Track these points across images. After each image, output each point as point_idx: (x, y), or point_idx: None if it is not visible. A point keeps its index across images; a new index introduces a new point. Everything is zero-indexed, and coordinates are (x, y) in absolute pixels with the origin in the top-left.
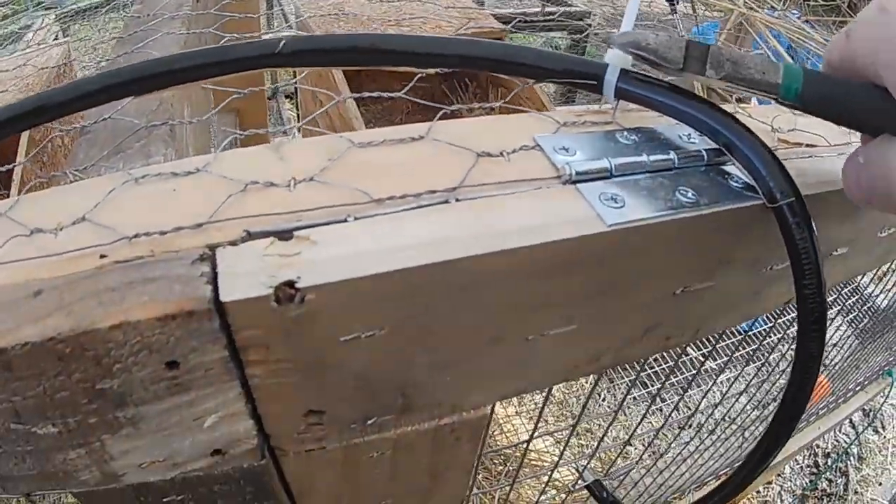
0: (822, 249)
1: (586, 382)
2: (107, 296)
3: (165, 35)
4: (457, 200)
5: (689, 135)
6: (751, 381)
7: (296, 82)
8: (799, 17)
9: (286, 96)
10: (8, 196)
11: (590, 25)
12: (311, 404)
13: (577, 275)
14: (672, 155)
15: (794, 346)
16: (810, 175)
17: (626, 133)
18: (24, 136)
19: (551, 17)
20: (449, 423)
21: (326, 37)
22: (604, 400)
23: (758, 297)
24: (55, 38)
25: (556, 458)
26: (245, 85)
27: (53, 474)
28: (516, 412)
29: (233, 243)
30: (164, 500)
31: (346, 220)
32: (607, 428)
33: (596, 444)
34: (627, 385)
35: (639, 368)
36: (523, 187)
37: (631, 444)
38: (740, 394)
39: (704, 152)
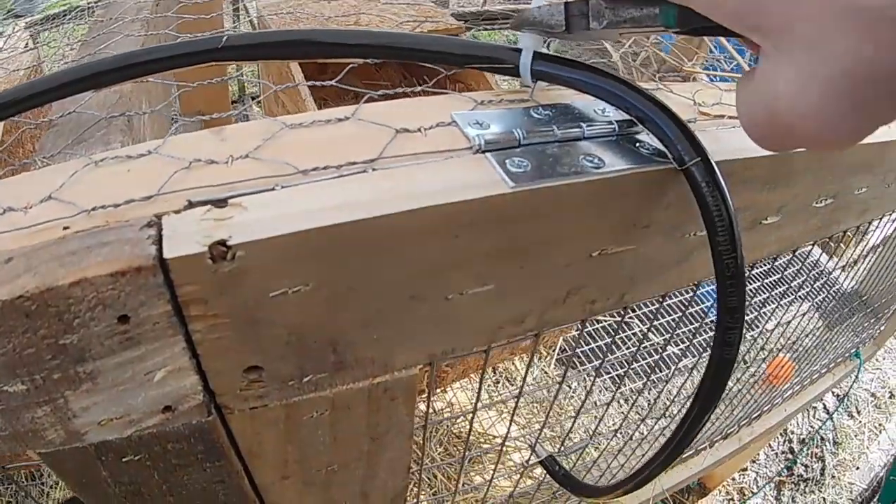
0: (750, 216)
1: (555, 374)
2: (68, 258)
3: (126, 37)
4: (373, 170)
5: (604, 109)
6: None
7: (259, 82)
8: None
9: (252, 98)
10: None
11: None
12: (249, 360)
13: (486, 236)
14: (581, 126)
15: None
16: (731, 142)
17: (540, 108)
18: None
19: (511, 15)
20: (382, 382)
21: (262, 32)
22: (574, 392)
23: (685, 263)
24: (25, 45)
25: (520, 445)
26: (210, 92)
27: (23, 434)
28: (491, 403)
29: (176, 212)
30: (123, 460)
31: (273, 189)
32: (579, 415)
33: (548, 422)
34: (593, 371)
35: (602, 356)
36: (436, 158)
37: (591, 430)
38: (691, 370)
39: (616, 123)
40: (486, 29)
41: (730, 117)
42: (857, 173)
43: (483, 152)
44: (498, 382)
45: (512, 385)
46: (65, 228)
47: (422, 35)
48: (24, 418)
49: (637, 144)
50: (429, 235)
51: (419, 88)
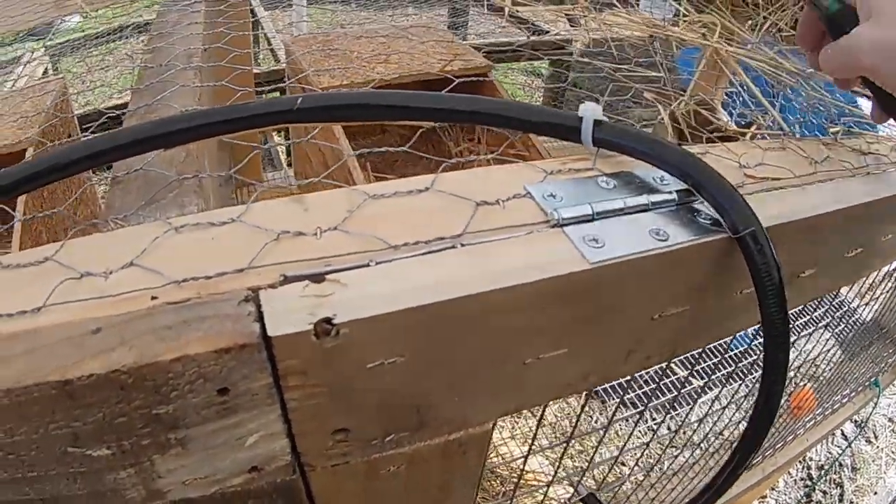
0: (790, 271)
1: (577, 404)
2: (164, 332)
3: (181, 88)
4: (461, 245)
5: (662, 177)
6: (733, 397)
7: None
8: (773, 48)
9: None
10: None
11: (571, 54)
12: (339, 423)
13: (566, 306)
14: (646, 198)
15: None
16: (776, 206)
17: (605, 178)
18: None
19: (535, 47)
20: (457, 438)
21: (337, 94)
22: (596, 421)
23: (730, 318)
24: (45, 71)
25: (550, 477)
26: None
27: (101, 494)
28: (511, 436)
29: (273, 286)
30: None
31: (368, 265)
32: (598, 444)
33: (589, 460)
34: (616, 404)
35: (623, 390)
36: (517, 232)
37: (624, 465)
38: (723, 409)
39: (675, 193)
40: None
41: (773, 179)
42: (884, 223)
43: (560, 226)
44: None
45: (545, 426)
46: (153, 298)
47: (487, 100)
48: (105, 479)
49: (695, 214)
50: (516, 309)
51: (489, 156)
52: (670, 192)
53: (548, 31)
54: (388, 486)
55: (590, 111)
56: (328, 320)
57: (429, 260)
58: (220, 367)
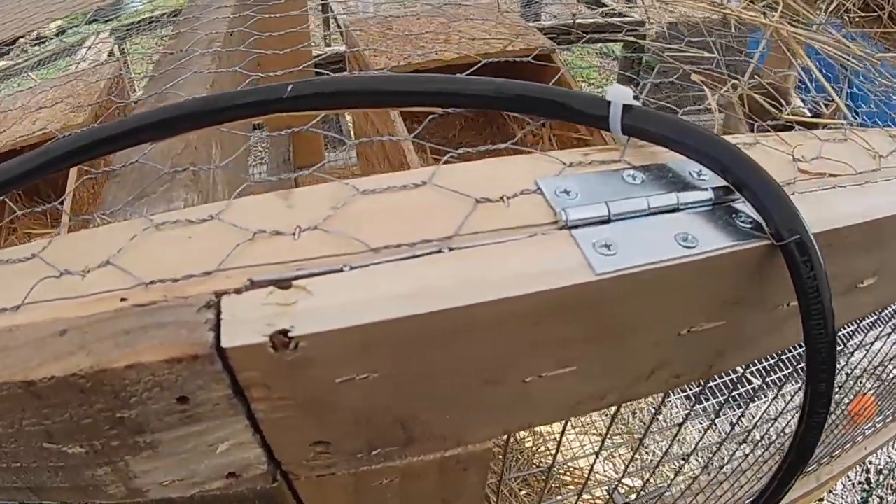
0: (847, 281)
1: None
2: (122, 338)
3: (194, 74)
4: (450, 250)
5: (700, 171)
6: (789, 402)
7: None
8: (840, 30)
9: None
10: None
11: (644, 36)
12: (315, 436)
13: (568, 322)
14: (675, 197)
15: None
16: (832, 207)
17: (633, 172)
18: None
19: (603, 28)
20: (454, 455)
21: (326, 80)
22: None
23: (776, 332)
24: (110, 52)
25: (599, 476)
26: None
27: (84, 488)
28: (571, 426)
29: (237, 291)
30: None
31: (342, 270)
32: (635, 451)
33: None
34: (681, 402)
35: (699, 387)
36: (517, 234)
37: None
38: (774, 419)
39: (712, 191)
40: (576, 45)
41: (831, 175)
42: None
43: (569, 228)
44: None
45: (605, 415)
46: (122, 300)
47: (505, 83)
48: (84, 475)
49: (733, 215)
50: (507, 324)
51: (503, 146)
52: (706, 190)
53: (621, 13)
54: (382, 498)
55: (619, 94)
56: (285, 332)
57: (409, 265)
58: (175, 377)
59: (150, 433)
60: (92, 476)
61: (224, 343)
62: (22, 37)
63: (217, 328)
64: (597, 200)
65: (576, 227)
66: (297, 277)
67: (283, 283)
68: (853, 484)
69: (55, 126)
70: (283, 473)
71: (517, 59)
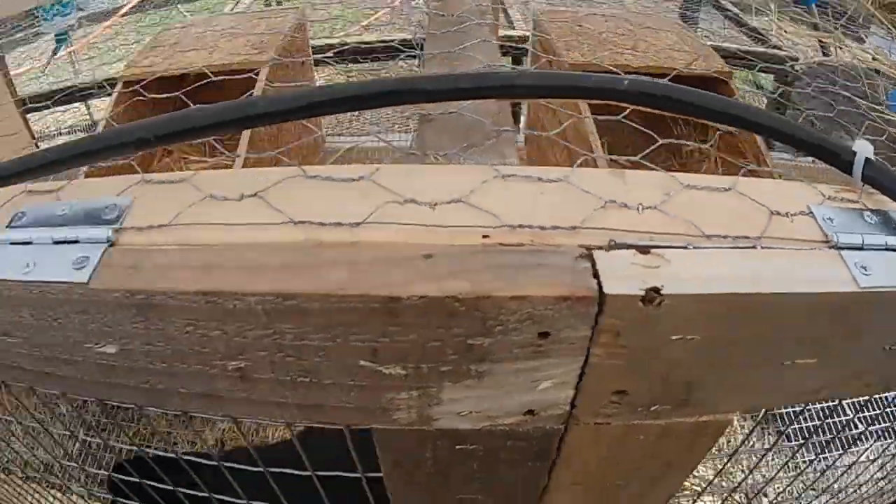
0: None
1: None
2: (503, 272)
3: (483, 42)
4: (761, 248)
5: None
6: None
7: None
8: None
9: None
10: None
11: (795, 70)
12: (622, 385)
13: (831, 321)
14: None
15: None
16: None
17: (870, 214)
18: None
19: (755, 56)
20: (706, 421)
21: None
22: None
23: None
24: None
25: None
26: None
27: (370, 410)
28: None
29: (602, 248)
30: (457, 447)
31: (686, 248)
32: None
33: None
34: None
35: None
36: (802, 246)
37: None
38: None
39: None
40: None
41: None
42: None
43: (838, 249)
44: None
45: None
46: (484, 237)
47: (756, 109)
48: (382, 397)
49: None
50: (795, 315)
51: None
52: None
53: (777, 46)
54: (629, 454)
55: (864, 148)
56: (657, 290)
57: (735, 254)
58: (553, 313)
59: (489, 362)
60: (391, 399)
61: (607, 290)
62: None
63: (596, 276)
64: (851, 231)
65: (843, 248)
66: (654, 247)
67: (643, 249)
68: None
69: (238, 58)
70: (569, 417)
71: (703, 76)
